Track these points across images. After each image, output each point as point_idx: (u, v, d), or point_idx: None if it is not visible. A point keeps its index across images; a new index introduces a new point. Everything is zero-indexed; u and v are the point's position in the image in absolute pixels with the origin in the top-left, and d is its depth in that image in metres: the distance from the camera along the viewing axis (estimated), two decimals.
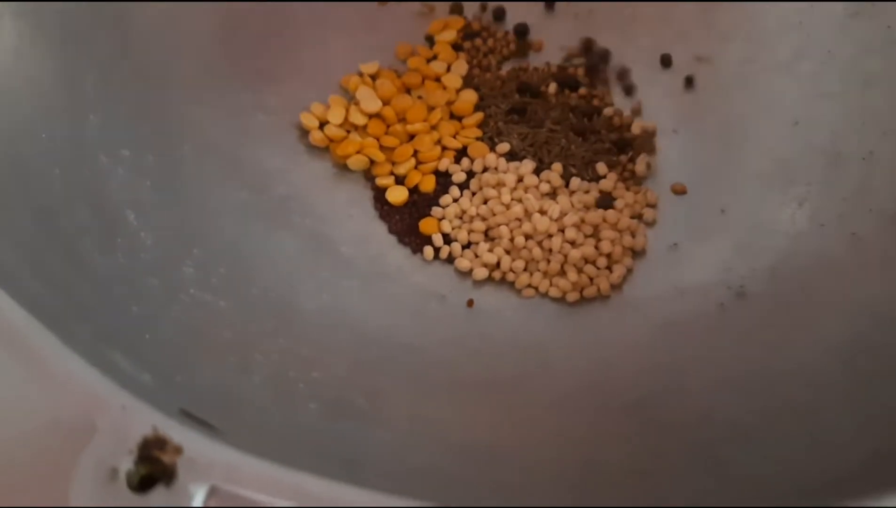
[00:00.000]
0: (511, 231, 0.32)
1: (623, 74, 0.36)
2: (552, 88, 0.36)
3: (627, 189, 0.33)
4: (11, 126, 0.25)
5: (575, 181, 0.33)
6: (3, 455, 0.23)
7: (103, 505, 0.15)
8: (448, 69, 0.36)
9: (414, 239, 0.32)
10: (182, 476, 0.15)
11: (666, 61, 0.36)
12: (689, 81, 0.35)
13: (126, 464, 0.15)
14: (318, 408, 0.23)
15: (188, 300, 0.25)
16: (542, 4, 0.38)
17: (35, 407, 0.21)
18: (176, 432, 0.16)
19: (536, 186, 0.33)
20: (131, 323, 0.22)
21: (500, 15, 0.38)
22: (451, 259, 0.32)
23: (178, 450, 0.15)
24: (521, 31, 0.37)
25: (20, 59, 0.26)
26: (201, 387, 0.21)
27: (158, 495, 0.15)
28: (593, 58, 0.36)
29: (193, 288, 0.25)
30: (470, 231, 0.32)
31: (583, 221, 0.32)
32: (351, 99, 0.35)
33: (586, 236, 0.32)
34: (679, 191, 0.33)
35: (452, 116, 0.35)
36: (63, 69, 0.28)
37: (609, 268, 0.31)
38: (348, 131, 0.34)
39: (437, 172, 0.34)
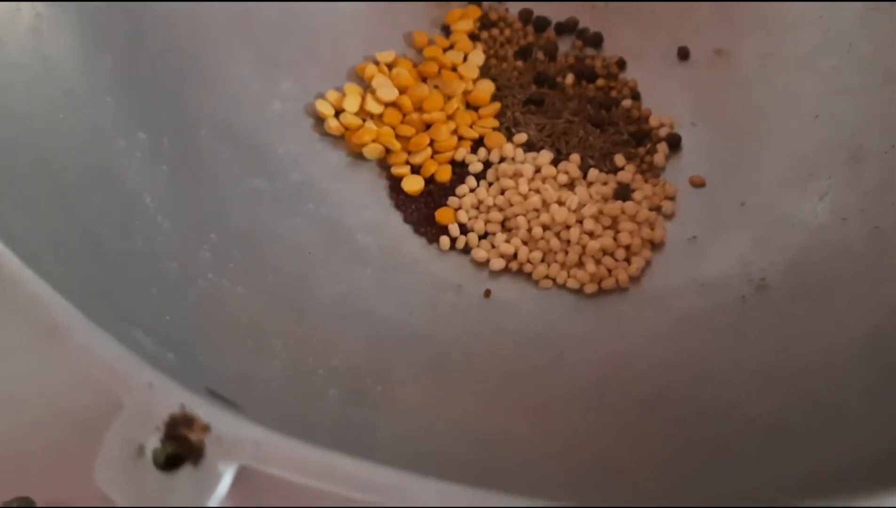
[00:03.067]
0: (528, 222, 0.31)
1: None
2: (569, 79, 0.35)
3: (646, 181, 0.33)
4: (30, 107, 0.25)
5: (593, 172, 0.33)
6: (31, 431, 0.23)
7: (129, 483, 0.15)
8: (465, 59, 0.36)
9: (430, 229, 0.32)
10: (210, 455, 0.15)
11: (683, 54, 0.36)
12: (682, 53, 0.35)
13: (153, 442, 0.15)
14: (337, 395, 0.23)
15: (205, 285, 0.25)
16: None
17: (61, 383, 0.21)
18: (203, 410, 0.15)
19: (554, 177, 0.32)
20: (152, 305, 0.22)
21: (527, 17, 0.37)
22: (467, 250, 0.32)
23: (205, 428, 0.15)
24: (541, 24, 0.37)
25: (39, 39, 0.26)
26: (222, 370, 0.21)
27: (186, 473, 0.15)
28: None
29: (211, 273, 0.25)
30: (487, 221, 0.32)
31: (601, 212, 0.31)
32: (367, 87, 0.35)
33: (605, 228, 0.31)
34: (698, 184, 0.33)
35: (469, 106, 0.35)
36: (81, 51, 0.27)
37: (627, 260, 0.31)
38: (364, 120, 0.34)
39: (453, 162, 0.33)
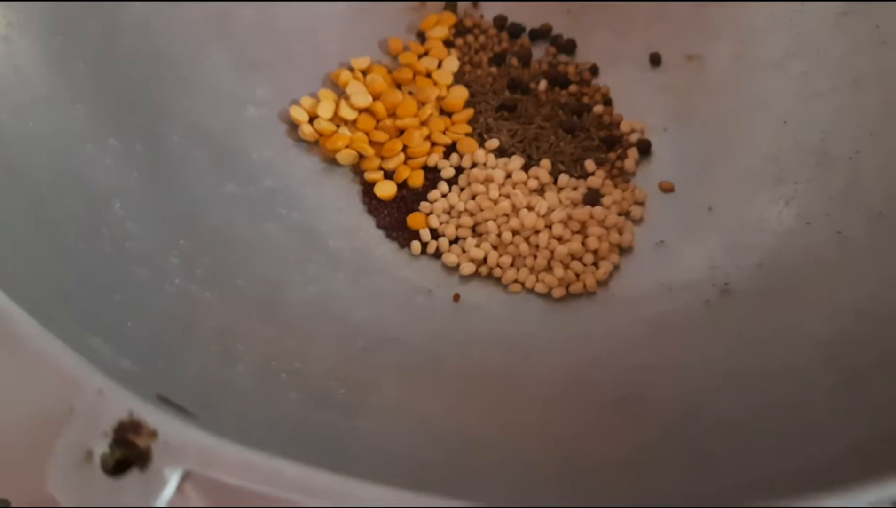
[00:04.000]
0: (499, 227, 0.32)
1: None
2: (542, 85, 0.36)
3: (615, 186, 0.33)
4: (0, 114, 0.25)
5: (563, 178, 0.33)
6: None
7: (77, 487, 0.15)
8: (439, 65, 0.36)
9: (402, 234, 0.32)
10: (156, 460, 0.15)
11: (655, 60, 0.36)
12: (654, 59, 0.36)
13: (101, 447, 0.15)
14: (298, 398, 0.23)
15: (172, 290, 0.25)
16: (533, 2, 0.38)
17: (14, 390, 0.21)
18: (151, 416, 0.16)
19: (525, 183, 0.33)
20: (114, 310, 0.22)
21: (501, 23, 0.38)
22: (438, 254, 0.32)
23: (152, 434, 0.15)
24: (515, 31, 0.37)
25: (9, 47, 0.26)
26: (183, 375, 0.21)
27: (133, 478, 0.15)
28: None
29: (178, 278, 0.25)
30: (458, 226, 0.32)
31: (570, 217, 0.32)
32: (341, 93, 0.35)
33: (573, 233, 0.32)
34: (667, 189, 0.33)
35: (443, 112, 0.35)
36: (51, 59, 0.28)
37: (595, 264, 0.31)
38: (338, 126, 0.34)
39: (425, 168, 0.34)
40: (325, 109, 0.34)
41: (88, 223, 0.25)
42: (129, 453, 0.15)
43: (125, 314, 0.22)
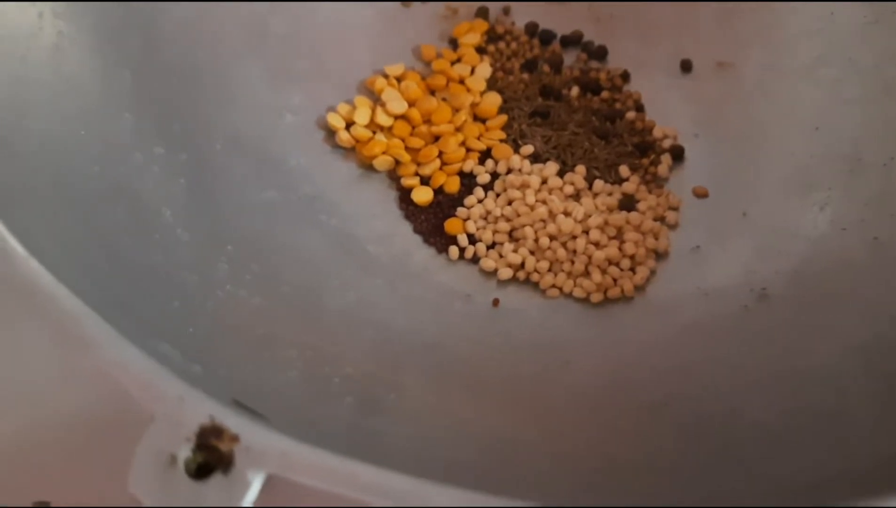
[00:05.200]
0: (536, 232, 0.32)
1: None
2: (574, 91, 0.36)
3: (650, 192, 0.33)
4: (51, 124, 0.25)
5: (598, 183, 0.33)
6: (65, 443, 0.23)
7: (162, 491, 0.15)
8: (472, 72, 0.36)
9: (439, 239, 0.33)
10: (239, 464, 0.16)
11: (686, 67, 0.37)
12: (685, 66, 0.36)
13: (184, 452, 0.16)
14: (353, 402, 0.23)
15: (224, 296, 0.25)
16: (562, 8, 0.38)
17: (93, 395, 0.21)
18: (231, 421, 0.16)
19: (560, 188, 0.33)
20: (174, 318, 0.22)
21: (533, 30, 0.38)
22: (475, 259, 0.32)
23: (234, 438, 0.16)
24: (547, 37, 0.38)
25: (60, 56, 0.27)
26: (243, 381, 0.21)
27: (216, 482, 0.16)
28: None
29: (229, 284, 0.26)
30: (495, 232, 0.32)
31: (606, 222, 0.32)
32: (376, 100, 0.35)
33: (610, 238, 0.32)
34: (701, 194, 0.34)
35: (476, 119, 0.35)
36: (100, 68, 0.28)
37: (633, 269, 0.32)
38: (374, 132, 0.35)
39: (461, 174, 0.34)
40: (362, 116, 0.34)
41: (140, 232, 0.25)
42: (211, 457, 0.16)
43: (185, 321, 0.22)
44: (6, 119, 0.24)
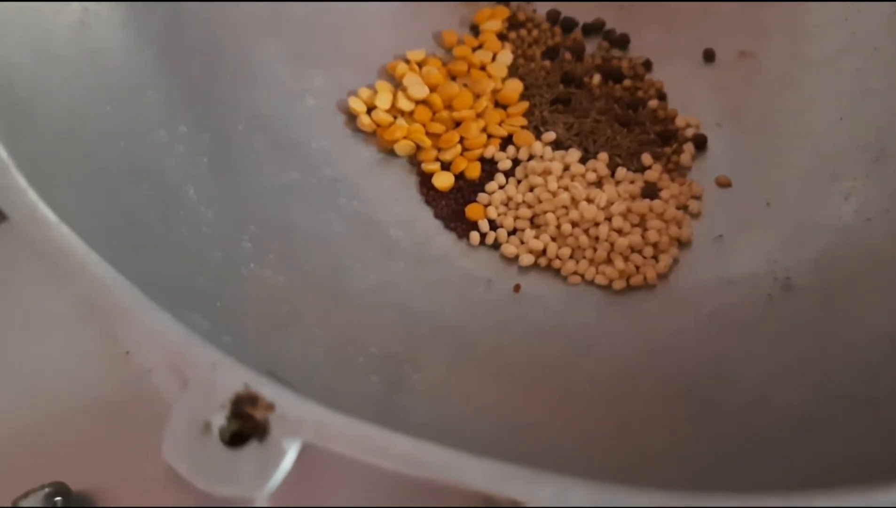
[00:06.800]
0: (558, 218, 0.32)
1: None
2: (596, 79, 0.36)
3: (672, 180, 0.33)
4: (78, 101, 0.25)
5: (621, 171, 0.33)
6: (99, 407, 0.23)
7: (197, 457, 0.15)
8: (493, 58, 0.36)
9: (459, 224, 0.32)
10: (275, 432, 0.15)
11: (709, 56, 0.36)
12: (708, 55, 0.36)
13: (219, 419, 0.16)
14: (378, 380, 0.23)
15: (248, 274, 0.25)
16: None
17: (127, 361, 0.21)
18: (266, 389, 0.16)
19: (583, 175, 0.33)
20: (201, 292, 0.22)
21: (554, 18, 0.38)
22: (496, 245, 0.32)
23: (269, 407, 0.16)
24: (568, 25, 0.38)
25: (85, 33, 0.27)
26: (271, 355, 0.21)
27: (252, 449, 0.15)
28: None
29: (253, 263, 0.26)
30: (516, 218, 0.32)
31: (629, 210, 0.32)
32: (397, 85, 0.35)
33: (633, 226, 0.32)
34: (724, 183, 0.33)
35: (498, 105, 0.35)
36: (125, 46, 0.28)
37: (655, 257, 0.31)
38: (395, 117, 0.34)
39: (482, 159, 0.34)
40: (384, 101, 0.34)
41: (165, 209, 0.25)
42: (246, 425, 0.15)
43: (212, 295, 0.22)
44: (34, 93, 0.23)
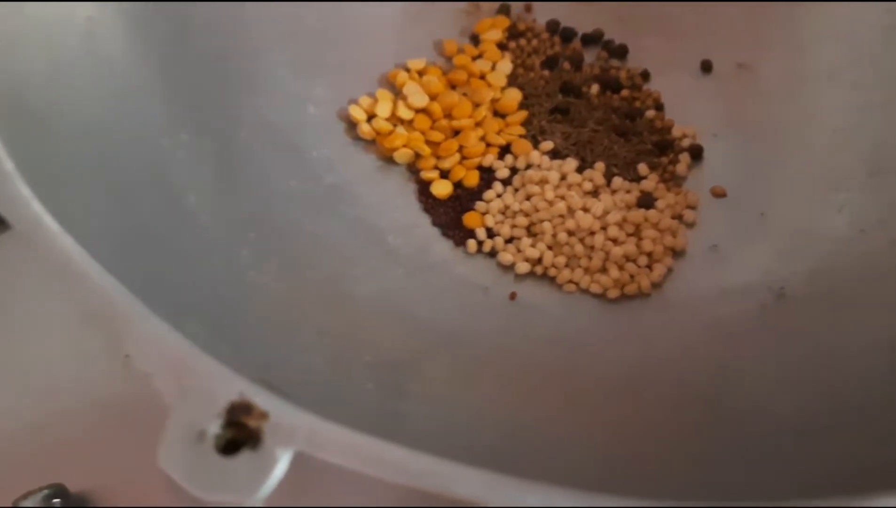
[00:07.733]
0: (554, 227, 0.32)
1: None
2: (594, 89, 0.36)
3: (668, 190, 0.34)
4: (85, 108, 0.26)
5: (617, 181, 0.33)
6: (98, 409, 0.23)
7: (191, 465, 0.16)
8: (493, 68, 0.37)
9: (457, 232, 0.33)
10: (268, 441, 0.16)
11: (707, 67, 0.37)
12: (706, 66, 0.36)
13: (213, 428, 0.16)
14: (377, 387, 0.24)
15: (248, 282, 0.26)
16: (584, 6, 0.38)
17: (126, 364, 0.22)
18: (260, 398, 0.16)
19: (579, 185, 0.33)
20: (200, 299, 0.23)
21: (554, 28, 0.38)
22: (493, 253, 0.32)
23: (263, 415, 0.16)
24: (568, 35, 0.38)
25: (92, 40, 0.27)
26: (268, 363, 0.22)
27: (245, 457, 0.16)
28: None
29: (253, 270, 0.26)
30: (513, 226, 0.33)
31: (625, 219, 0.32)
32: (398, 93, 0.36)
33: (628, 235, 0.32)
34: (719, 194, 0.34)
35: (496, 114, 0.36)
36: (129, 54, 0.28)
37: (650, 267, 0.32)
38: (395, 125, 0.35)
39: (480, 168, 0.34)
40: (384, 109, 0.35)
41: (168, 216, 0.26)
42: (240, 433, 0.16)
43: (211, 303, 0.23)
44: (44, 100, 0.24)
